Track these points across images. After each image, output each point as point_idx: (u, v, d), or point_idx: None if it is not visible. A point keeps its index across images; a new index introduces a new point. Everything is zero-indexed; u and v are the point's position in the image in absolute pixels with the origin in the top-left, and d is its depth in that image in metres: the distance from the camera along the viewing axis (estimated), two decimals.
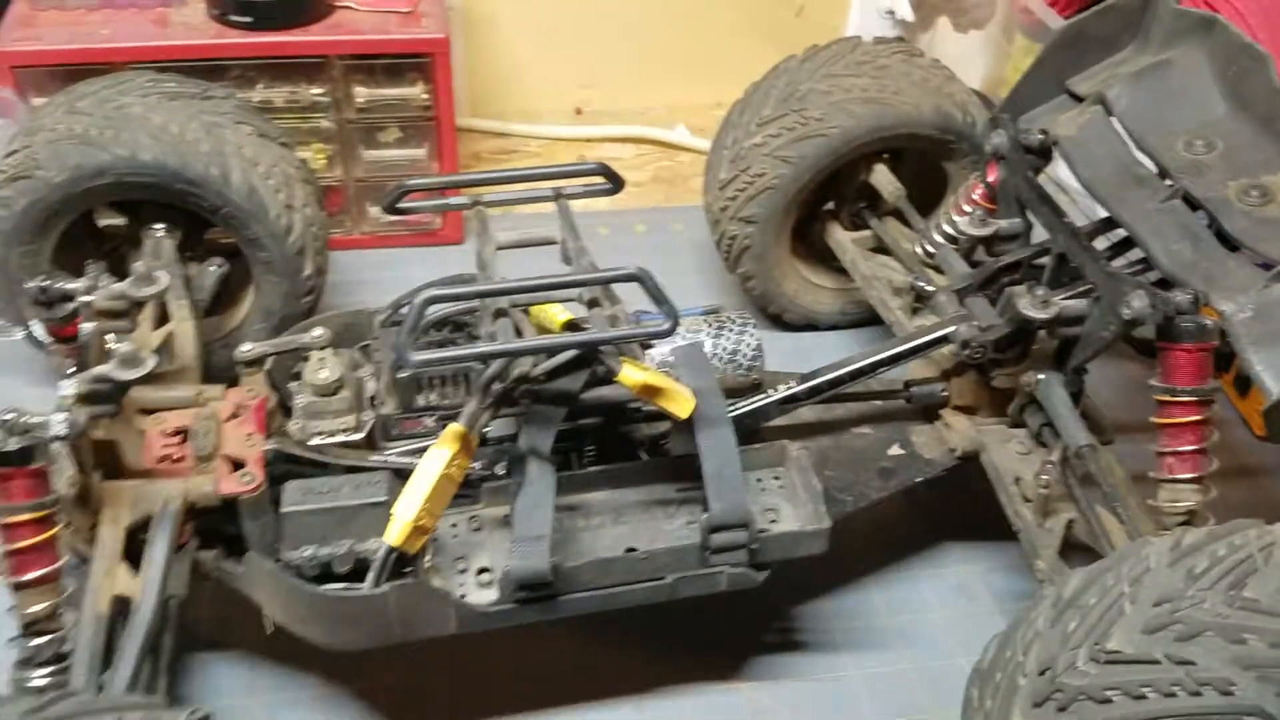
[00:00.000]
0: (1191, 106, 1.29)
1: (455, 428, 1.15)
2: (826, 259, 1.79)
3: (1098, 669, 0.93)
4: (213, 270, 1.55)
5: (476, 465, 1.29)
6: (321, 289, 1.64)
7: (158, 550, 1.09)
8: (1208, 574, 0.94)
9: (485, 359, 1.14)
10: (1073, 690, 0.93)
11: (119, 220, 1.57)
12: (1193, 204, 1.24)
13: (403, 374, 1.30)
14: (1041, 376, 1.28)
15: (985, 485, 1.36)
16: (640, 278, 1.09)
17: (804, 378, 1.35)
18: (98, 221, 1.59)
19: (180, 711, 0.87)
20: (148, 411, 1.26)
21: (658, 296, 1.10)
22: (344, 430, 1.28)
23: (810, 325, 1.81)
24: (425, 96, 1.84)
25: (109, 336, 1.20)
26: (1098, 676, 0.93)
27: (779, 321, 1.82)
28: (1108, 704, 0.92)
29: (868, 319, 1.77)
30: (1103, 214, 1.34)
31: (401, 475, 1.18)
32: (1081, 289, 1.27)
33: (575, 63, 2.30)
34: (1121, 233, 1.31)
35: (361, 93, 1.83)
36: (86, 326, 1.18)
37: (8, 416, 1.03)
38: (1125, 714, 0.91)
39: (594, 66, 2.31)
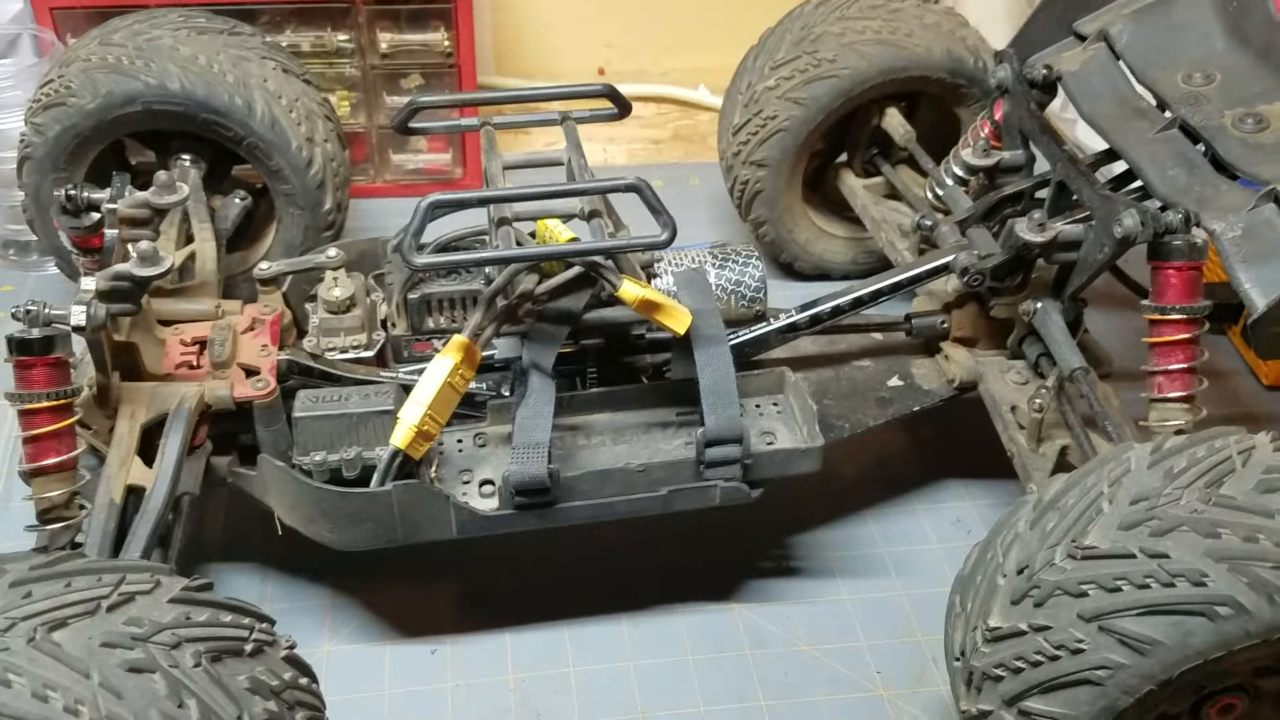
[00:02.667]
0: (1192, 41, 1.31)
1: (459, 338, 1.19)
2: (839, 209, 1.81)
3: (1074, 564, 0.95)
4: (237, 202, 1.60)
5: (483, 386, 1.33)
6: (342, 225, 1.68)
7: (173, 442, 1.14)
8: (1185, 473, 0.95)
9: (486, 264, 1.17)
10: (1049, 586, 0.95)
11: (148, 156, 1.64)
12: (1190, 133, 1.25)
13: (413, 295, 1.34)
14: (1039, 304, 1.29)
15: (986, 425, 1.38)
16: (638, 187, 1.12)
17: (804, 306, 1.38)
18: (129, 158, 1.65)
19: (182, 578, 0.90)
20: (168, 323, 1.31)
21: (655, 207, 1.13)
22: (355, 347, 1.32)
23: (822, 275, 1.83)
24: (447, 43, 1.88)
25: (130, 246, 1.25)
26: (1074, 571, 0.94)
27: (791, 270, 1.84)
28: (1083, 597, 0.93)
29: (880, 268, 1.77)
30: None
31: (408, 390, 1.21)
32: (1079, 216, 1.28)
33: (599, 23, 2.34)
34: (1122, 167, 1.33)
35: (385, 38, 1.87)
36: (110, 233, 1.23)
37: (30, 307, 1.08)
38: (1100, 606, 0.92)
39: (618, 27, 2.35)
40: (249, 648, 0.87)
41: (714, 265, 1.39)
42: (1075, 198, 1.31)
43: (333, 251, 1.35)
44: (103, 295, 1.12)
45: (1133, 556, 0.92)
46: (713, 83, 2.31)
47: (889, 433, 1.57)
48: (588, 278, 1.23)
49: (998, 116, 1.45)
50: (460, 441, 1.30)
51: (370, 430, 1.22)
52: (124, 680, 0.79)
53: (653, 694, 1.26)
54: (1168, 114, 1.28)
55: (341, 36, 1.87)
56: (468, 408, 1.29)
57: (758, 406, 1.34)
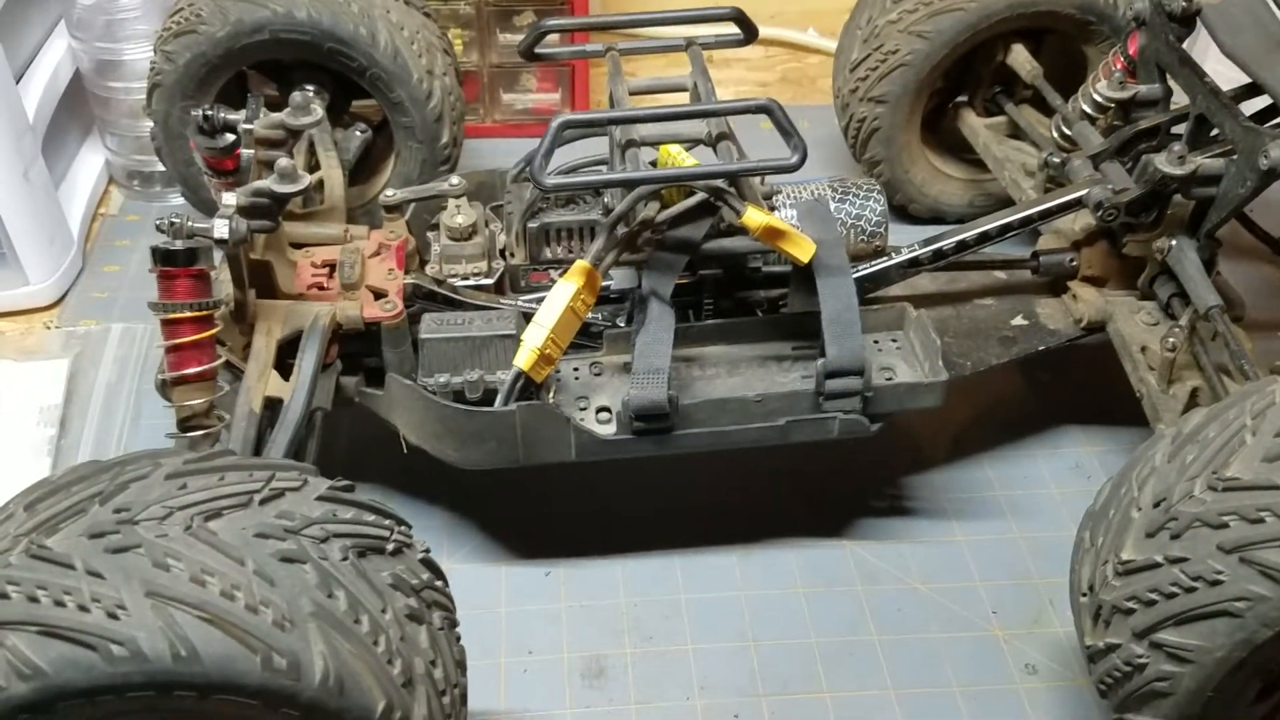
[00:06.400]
0: None
1: (582, 263, 1.20)
2: (957, 150, 1.78)
3: (1214, 496, 0.92)
4: (357, 135, 1.63)
5: (599, 317, 1.33)
6: (457, 160, 1.70)
7: (309, 356, 1.17)
8: None
9: (615, 185, 1.17)
10: (1187, 517, 0.93)
11: (272, 89, 1.67)
12: None
13: (532, 225, 1.35)
14: (1174, 241, 1.26)
15: (1107, 370, 1.35)
16: (769, 108, 1.11)
17: (926, 241, 1.36)
18: (252, 89, 1.68)
19: (327, 479, 0.92)
20: (298, 247, 1.34)
21: (786, 128, 1.12)
22: (476, 274, 1.34)
23: (937, 218, 1.79)
24: None
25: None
26: (1214, 503, 0.92)
27: (905, 213, 1.80)
28: (1223, 529, 0.91)
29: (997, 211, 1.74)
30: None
31: (528, 317, 1.23)
32: (1219, 151, 1.24)
33: None
34: (1260, 105, 1.28)
35: None
36: (247, 152, 1.26)
37: (174, 220, 1.11)
38: (1241, 537, 0.90)
39: None
40: (390, 547, 0.89)
41: (834, 198, 1.38)
42: (1215, 132, 1.26)
43: (455, 179, 1.37)
44: (243, 211, 1.14)
45: (1277, 488, 0.90)
46: (822, 25, 2.28)
47: (1006, 376, 1.54)
48: (709, 206, 1.23)
49: (1132, 51, 1.40)
50: (576, 370, 1.32)
51: (493, 354, 1.23)
52: (276, 569, 0.81)
53: (762, 623, 1.27)
54: None
55: None
56: (583, 338, 1.30)
57: (876, 343, 1.32)
